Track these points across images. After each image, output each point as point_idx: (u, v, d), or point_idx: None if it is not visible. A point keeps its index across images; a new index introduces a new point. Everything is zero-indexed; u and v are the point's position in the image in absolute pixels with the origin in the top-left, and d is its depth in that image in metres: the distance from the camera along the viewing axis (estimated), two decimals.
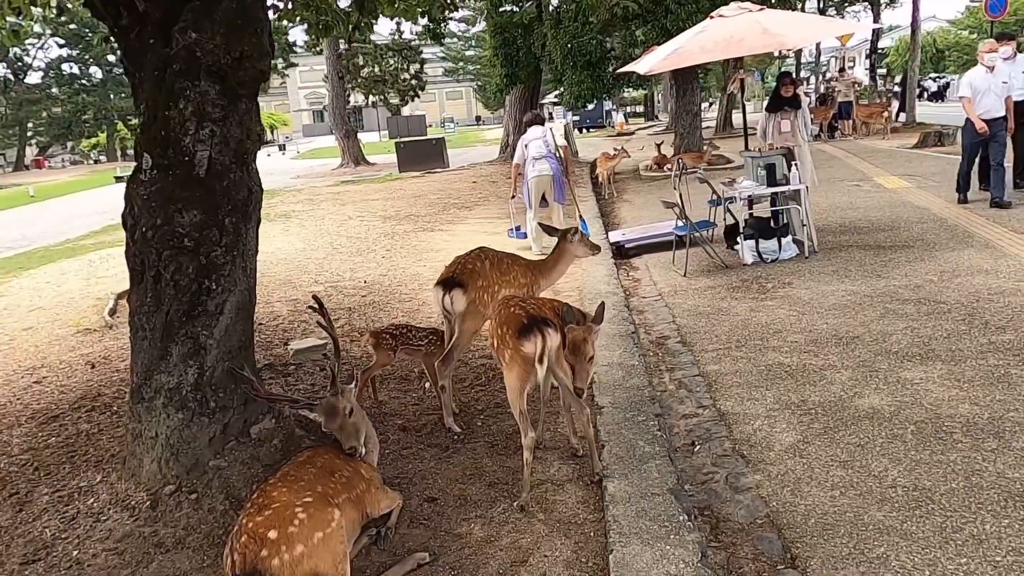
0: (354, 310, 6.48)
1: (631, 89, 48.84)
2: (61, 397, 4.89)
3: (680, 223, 7.82)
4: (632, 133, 35.23)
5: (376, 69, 30.81)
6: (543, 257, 4.75)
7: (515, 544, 2.97)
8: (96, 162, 61.05)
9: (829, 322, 5.46)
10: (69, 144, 65.28)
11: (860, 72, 33.39)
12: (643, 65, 7.76)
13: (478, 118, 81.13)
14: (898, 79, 30.54)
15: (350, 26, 5.50)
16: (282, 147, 53.36)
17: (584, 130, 40.78)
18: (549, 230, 4.88)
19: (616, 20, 13.28)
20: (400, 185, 16.72)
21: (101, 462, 3.80)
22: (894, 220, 8.61)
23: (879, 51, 32.30)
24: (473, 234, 10.19)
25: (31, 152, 61.36)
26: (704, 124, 27.77)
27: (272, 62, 3.40)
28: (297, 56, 39.77)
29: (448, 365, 4.07)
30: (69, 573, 2.91)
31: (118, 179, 35.40)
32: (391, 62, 31.02)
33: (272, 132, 73.47)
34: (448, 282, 4.12)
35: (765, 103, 8.64)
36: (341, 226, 11.08)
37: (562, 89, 17.82)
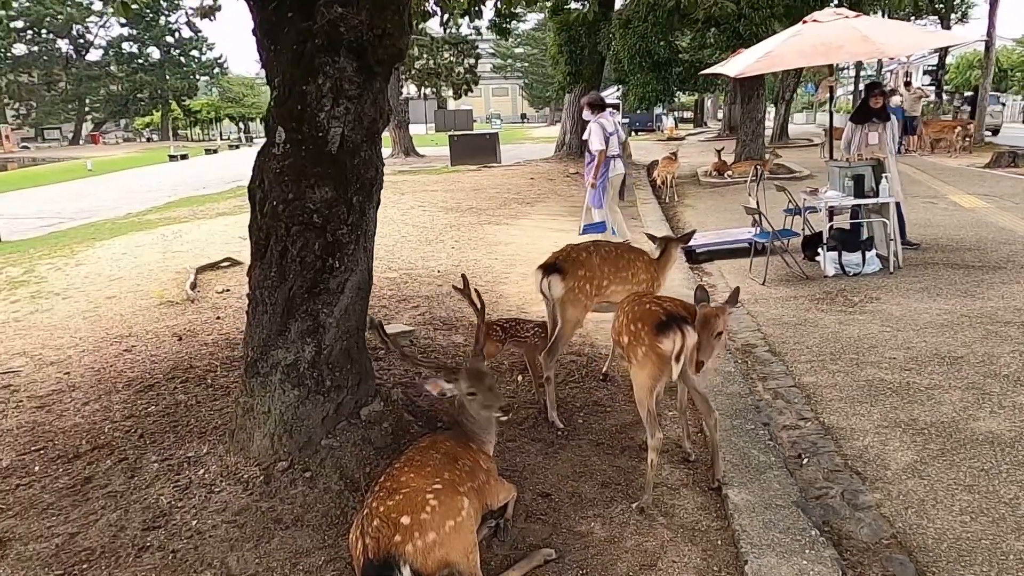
0: (432, 299, 6.45)
1: (684, 94, 48.45)
2: (153, 367, 4.93)
3: (759, 230, 7.66)
4: (682, 138, 34.85)
5: (431, 62, 30.81)
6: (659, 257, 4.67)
7: (640, 547, 2.89)
8: (149, 140, 62.33)
9: (928, 340, 5.28)
10: (123, 121, 66.79)
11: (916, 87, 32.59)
12: (732, 67, 7.61)
13: (523, 116, 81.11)
14: (967, 95, 29.72)
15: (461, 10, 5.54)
16: None
17: (634, 132, 40.48)
18: (652, 237, 4.81)
19: (689, 22, 13.10)
20: (457, 178, 16.71)
21: (205, 433, 3.80)
22: (979, 240, 8.35)
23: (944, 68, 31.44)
24: (538, 230, 10.13)
25: (86, 127, 62.88)
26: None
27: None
28: None
29: (553, 357, 4.02)
30: (191, 542, 2.90)
31: (171, 158, 36.16)
32: (446, 55, 31.01)
33: None
34: (549, 267, 4.08)
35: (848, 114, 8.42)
36: (405, 215, 11.09)
37: (624, 88, 17.65)
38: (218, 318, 6.03)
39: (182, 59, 60.54)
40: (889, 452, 3.77)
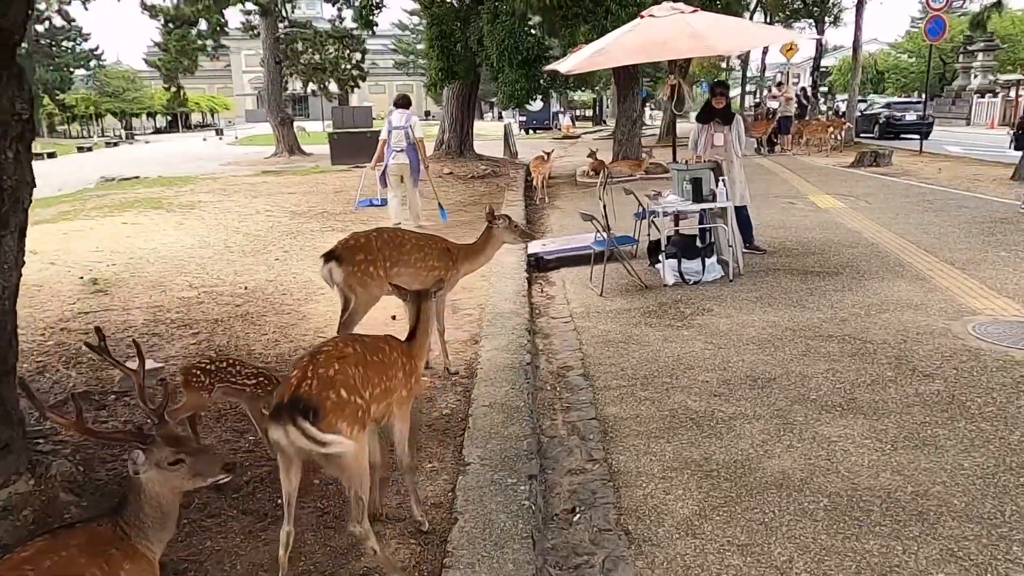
0: (220, 323, 5.67)
1: (581, 92, 48.50)
2: None
3: (599, 237, 7.23)
4: (578, 137, 34.78)
5: (317, 56, 29.57)
6: (471, 243, 4.99)
7: None
8: None
9: (746, 359, 4.91)
10: None
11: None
12: (565, 64, 7.14)
13: (427, 112, 79.91)
14: (840, 98, 30.93)
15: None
16: (219, 132, 51.64)
17: (531, 131, 40.21)
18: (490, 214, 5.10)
19: (556, 19, 12.67)
20: (323, 179, 15.74)
21: None
22: (825, 243, 8.21)
23: (822, 69, 32.58)
24: None
25: None
26: (648, 132, 27.51)
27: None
28: (239, 40, 38.42)
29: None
30: None
31: (35, 155, 33.37)
32: (331, 50, 29.81)
33: (212, 116, 71.10)
34: (328, 255, 4.47)
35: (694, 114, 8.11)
36: (243, 221, 10.17)
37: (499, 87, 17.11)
38: None
39: (53, 49, 56.27)
40: (669, 503, 3.30)
